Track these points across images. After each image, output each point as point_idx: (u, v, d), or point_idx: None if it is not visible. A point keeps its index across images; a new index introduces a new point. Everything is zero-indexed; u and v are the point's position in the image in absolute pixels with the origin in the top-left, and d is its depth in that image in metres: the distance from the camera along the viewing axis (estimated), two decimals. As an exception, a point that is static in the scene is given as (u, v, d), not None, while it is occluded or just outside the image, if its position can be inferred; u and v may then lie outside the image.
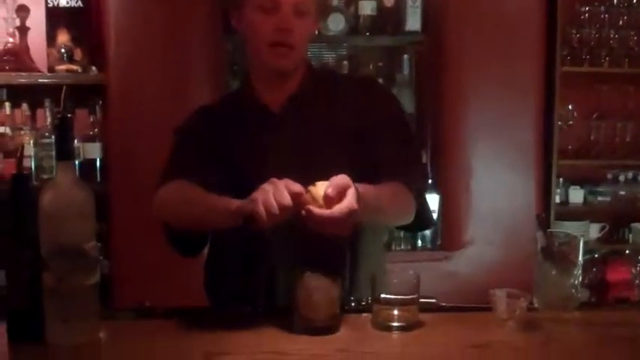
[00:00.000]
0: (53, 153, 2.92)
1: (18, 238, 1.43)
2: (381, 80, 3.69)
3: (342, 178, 1.51)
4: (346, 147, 1.83)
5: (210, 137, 1.91)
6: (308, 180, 1.60)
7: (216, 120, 1.95)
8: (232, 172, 1.85)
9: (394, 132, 1.89)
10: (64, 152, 1.44)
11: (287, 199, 1.48)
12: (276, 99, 1.89)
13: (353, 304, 1.72)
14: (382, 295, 1.55)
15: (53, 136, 3.07)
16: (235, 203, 1.58)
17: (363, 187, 1.58)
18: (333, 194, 1.48)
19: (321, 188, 1.50)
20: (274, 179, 1.52)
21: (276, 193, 1.49)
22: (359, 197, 1.51)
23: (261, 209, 1.47)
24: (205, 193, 1.72)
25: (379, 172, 1.78)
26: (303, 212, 1.49)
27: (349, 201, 1.48)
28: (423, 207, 1.92)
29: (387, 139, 1.86)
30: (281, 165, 1.81)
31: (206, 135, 1.93)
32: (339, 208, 1.48)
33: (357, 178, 1.58)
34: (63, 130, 1.44)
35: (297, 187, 1.51)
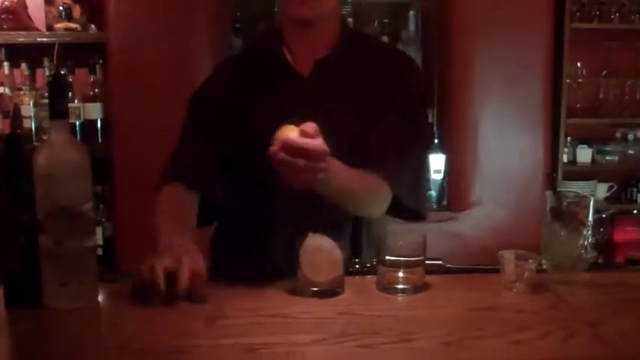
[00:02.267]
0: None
1: (13, 200, 1.39)
2: (386, 38, 3.65)
3: (312, 124, 1.46)
4: (361, 121, 1.79)
5: (229, 96, 1.86)
6: None
7: (237, 76, 1.89)
8: (250, 132, 1.81)
9: (407, 121, 1.82)
10: (58, 111, 1.39)
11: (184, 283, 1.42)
12: (305, 61, 1.83)
13: (357, 266, 1.69)
14: (387, 257, 1.51)
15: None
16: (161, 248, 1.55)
17: (339, 164, 1.56)
18: (312, 129, 1.44)
19: (288, 131, 1.45)
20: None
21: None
22: (333, 168, 1.51)
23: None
24: (166, 220, 1.71)
25: (371, 153, 1.75)
26: (277, 145, 1.43)
27: (322, 141, 1.45)
28: (416, 201, 1.84)
29: (397, 124, 1.80)
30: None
31: (223, 96, 1.87)
32: (315, 142, 1.44)
33: (358, 154, 1.63)
34: (56, 88, 1.40)
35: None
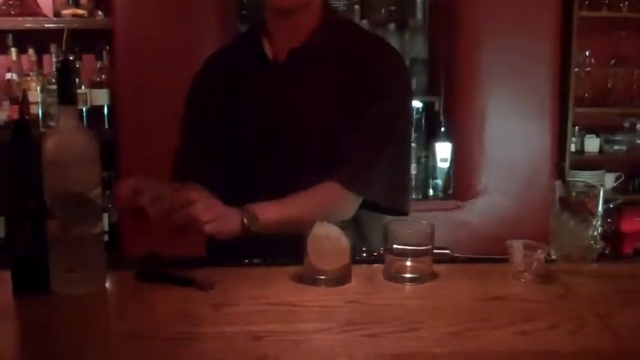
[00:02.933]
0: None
1: (21, 186, 1.39)
2: (393, 26, 3.63)
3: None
4: (335, 111, 1.78)
5: (216, 88, 1.90)
6: (293, 134, 1.73)
7: (223, 68, 1.92)
8: (236, 123, 1.85)
9: (381, 117, 1.80)
10: (67, 96, 1.39)
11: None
12: (283, 49, 1.84)
13: (365, 254, 1.68)
14: (395, 246, 1.50)
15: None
16: None
17: (265, 206, 1.64)
18: None
19: None
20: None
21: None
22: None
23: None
24: None
25: (339, 148, 1.76)
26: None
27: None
28: (391, 199, 1.82)
29: (370, 121, 1.78)
30: (274, 119, 1.80)
31: (211, 89, 1.91)
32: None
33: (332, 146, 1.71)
34: (65, 74, 1.39)
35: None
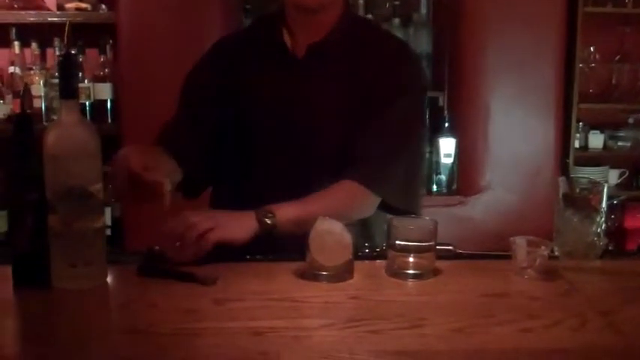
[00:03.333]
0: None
1: (22, 180, 1.38)
2: (397, 20, 3.62)
3: None
4: (351, 109, 1.78)
5: (223, 73, 1.87)
6: (308, 130, 1.71)
7: (234, 54, 1.89)
8: (244, 109, 1.83)
9: (396, 118, 1.79)
10: (68, 91, 1.38)
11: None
12: (302, 43, 1.83)
13: (367, 250, 1.68)
14: (397, 242, 1.50)
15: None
16: None
17: (287, 205, 1.63)
18: None
19: None
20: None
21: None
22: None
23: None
24: None
25: (356, 149, 1.75)
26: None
27: None
28: (405, 201, 1.81)
29: (385, 121, 1.78)
30: (287, 113, 1.78)
31: (217, 74, 1.88)
32: None
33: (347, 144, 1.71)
34: (66, 68, 1.38)
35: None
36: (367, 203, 1.76)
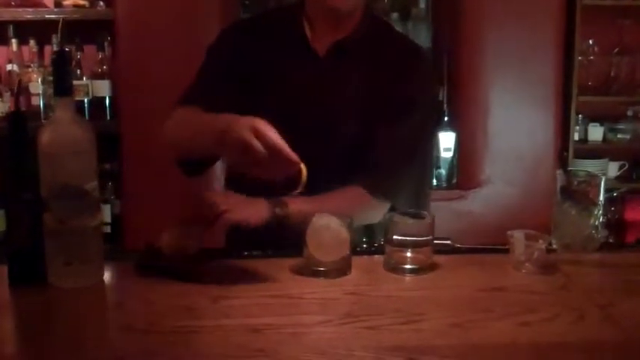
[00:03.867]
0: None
1: (17, 178, 1.38)
2: (396, 15, 3.61)
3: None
4: (368, 110, 1.78)
5: (239, 57, 1.84)
6: (320, 130, 1.69)
7: (252, 39, 1.86)
8: (258, 98, 1.80)
9: (406, 121, 1.80)
10: (63, 88, 1.37)
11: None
12: (324, 40, 1.81)
13: (365, 245, 1.67)
14: (395, 237, 1.49)
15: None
16: (220, 125, 1.53)
17: (301, 200, 1.60)
18: None
19: None
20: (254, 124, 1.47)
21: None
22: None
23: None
24: (202, 114, 1.69)
25: (362, 165, 1.75)
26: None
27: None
28: (414, 203, 1.79)
29: (394, 127, 1.78)
30: (301, 109, 1.76)
31: (235, 54, 1.86)
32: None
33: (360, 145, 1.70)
34: (60, 65, 1.37)
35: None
36: (377, 210, 1.76)
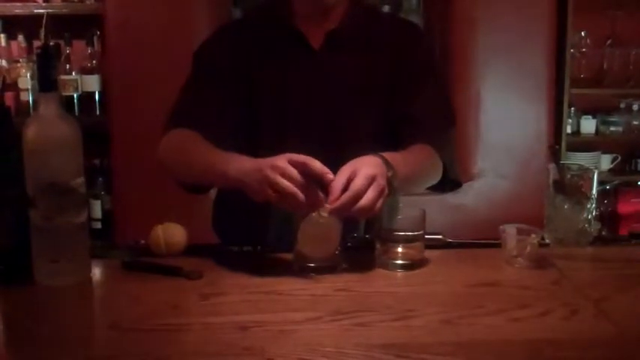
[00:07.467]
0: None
1: (1, 175, 1.36)
2: (387, 7, 3.59)
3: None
4: (377, 95, 1.78)
5: (233, 60, 1.80)
6: (331, 123, 1.71)
7: (243, 40, 1.83)
8: (254, 98, 1.77)
9: (429, 86, 1.82)
10: (47, 83, 1.35)
11: (295, 174, 1.37)
12: (315, 32, 1.78)
13: (356, 241, 1.65)
14: (386, 232, 1.47)
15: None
16: (232, 171, 1.47)
17: (392, 158, 1.49)
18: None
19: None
20: (275, 162, 1.39)
21: (284, 173, 1.37)
22: (390, 170, 1.45)
23: (272, 194, 1.37)
24: (208, 150, 1.61)
25: (408, 127, 1.74)
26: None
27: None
28: (452, 166, 1.82)
29: (421, 92, 1.80)
30: (305, 104, 1.74)
31: (227, 59, 1.81)
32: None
33: (381, 131, 1.68)
34: (44, 60, 1.35)
35: (301, 158, 1.39)
36: (440, 168, 1.77)
